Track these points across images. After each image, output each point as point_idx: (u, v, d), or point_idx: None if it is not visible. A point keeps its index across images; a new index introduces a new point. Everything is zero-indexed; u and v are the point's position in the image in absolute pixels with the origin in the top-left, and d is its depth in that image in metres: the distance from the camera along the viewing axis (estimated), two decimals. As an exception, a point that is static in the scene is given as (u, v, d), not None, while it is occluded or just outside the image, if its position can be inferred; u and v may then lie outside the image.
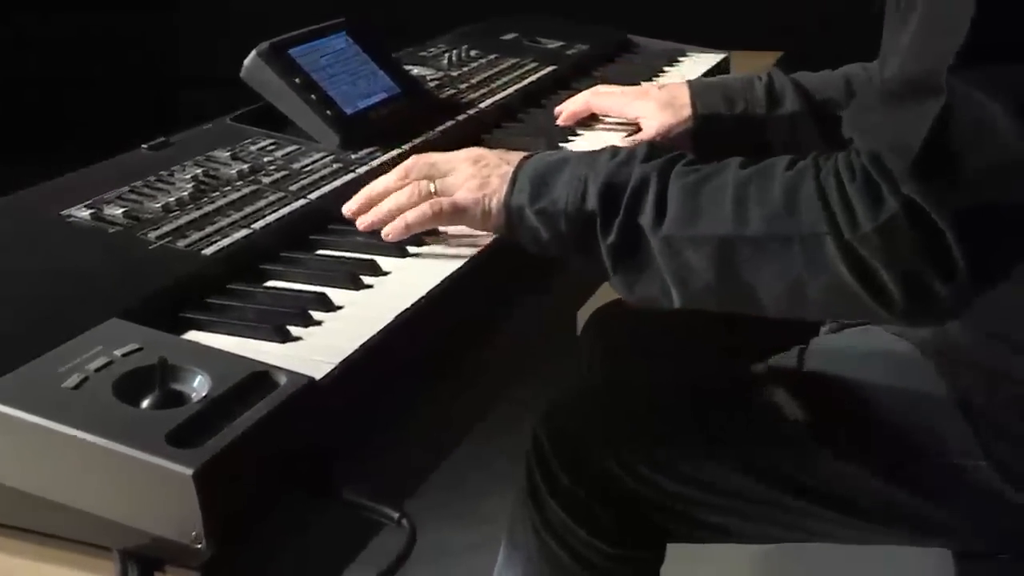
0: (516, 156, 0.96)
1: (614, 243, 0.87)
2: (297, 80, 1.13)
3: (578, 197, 0.88)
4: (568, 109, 1.31)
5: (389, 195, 0.97)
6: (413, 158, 0.99)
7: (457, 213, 0.94)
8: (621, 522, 1.12)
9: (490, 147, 1.22)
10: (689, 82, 1.29)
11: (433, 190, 0.95)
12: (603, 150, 0.93)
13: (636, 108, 1.28)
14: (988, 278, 0.76)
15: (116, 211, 0.93)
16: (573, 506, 1.12)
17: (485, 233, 0.97)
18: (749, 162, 0.87)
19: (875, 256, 0.76)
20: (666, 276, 0.85)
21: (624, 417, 1.12)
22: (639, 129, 1.27)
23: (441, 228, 0.98)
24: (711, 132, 1.25)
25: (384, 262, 0.94)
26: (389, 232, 0.95)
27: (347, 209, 0.99)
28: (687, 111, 1.25)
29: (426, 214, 0.94)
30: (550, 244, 0.91)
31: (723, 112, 1.25)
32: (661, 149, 0.91)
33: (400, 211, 0.95)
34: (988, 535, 0.98)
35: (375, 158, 1.11)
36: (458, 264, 0.94)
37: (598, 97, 1.31)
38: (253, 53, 1.13)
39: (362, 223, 0.98)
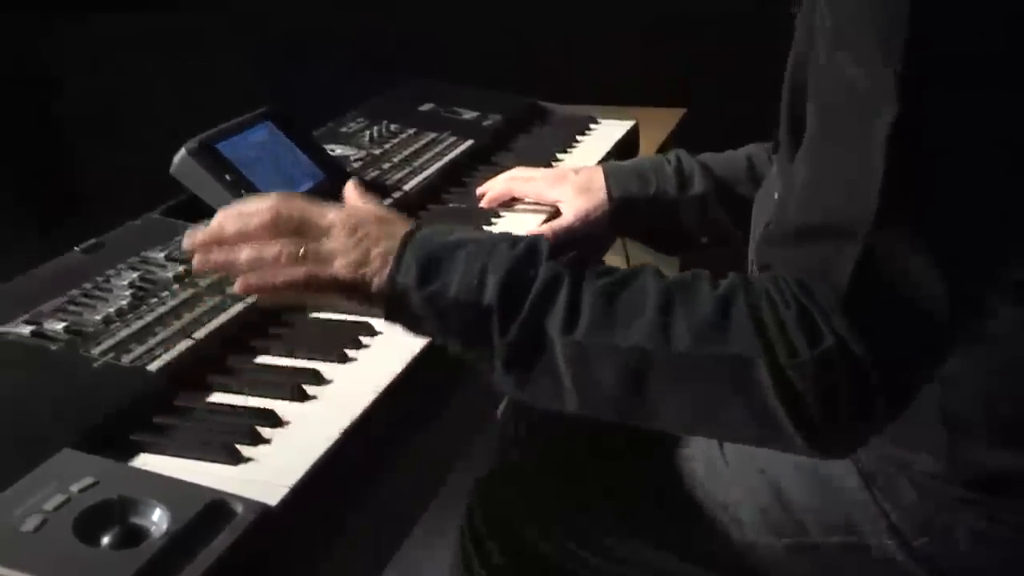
0: (398, 228, 0.86)
1: (512, 342, 0.81)
2: (228, 176, 1.16)
3: (473, 289, 0.81)
4: (490, 193, 1.35)
5: (246, 240, 0.86)
6: (277, 202, 0.87)
7: (333, 290, 0.85)
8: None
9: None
10: (603, 165, 1.35)
11: (303, 254, 0.85)
12: (500, 238, 0.87)
13: (555, 193, 1.32)
14: (899, 415, 0.78)
15: (57, 326, 0.94)
16: (505, 580, 1.16)
17: (419, 339, 0.92)
18: (661, 272, 0.83)
19: (810, 385, 0.74)
20: (566, 381, 0.81)
21: (549, 494, 1.15)
22: (559, 212, 1.32)
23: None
24: (627, 214, 1.31)
25: (326, 369, 0.96)
26: (251, 285, 0.85)
27: (188, 242, 0.88)
28: (602, 194, 1.30)
29: (298, 282, 0.84)
30: (431, 330, 0.85)
31: (637, 195, 1.30)
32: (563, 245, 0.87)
33: (259, 267, 0.85)
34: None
35: (307, 252, 1.13)
36: (398, 369, 0.96)
37: (517, 183, 1.35)
38: (182, 151, 1.15)
39: (206, 262, 0.87)
